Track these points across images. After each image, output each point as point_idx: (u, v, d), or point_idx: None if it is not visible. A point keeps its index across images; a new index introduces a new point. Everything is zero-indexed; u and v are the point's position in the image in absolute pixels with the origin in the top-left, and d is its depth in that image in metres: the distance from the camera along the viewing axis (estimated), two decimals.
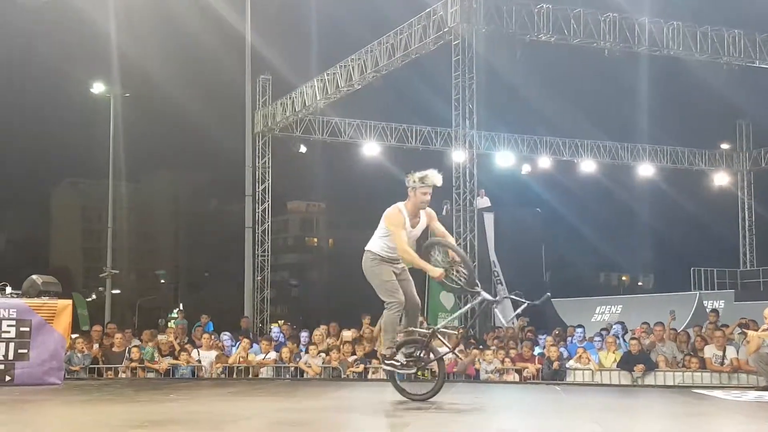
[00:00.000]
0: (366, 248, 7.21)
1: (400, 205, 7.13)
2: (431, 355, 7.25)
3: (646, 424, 6.70)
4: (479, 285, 7.32)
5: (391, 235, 7.01)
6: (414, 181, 7.04)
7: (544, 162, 27.53)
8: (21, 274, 10.84)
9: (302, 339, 13.86)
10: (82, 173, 57.21)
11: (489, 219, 21.27)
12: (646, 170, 28.32)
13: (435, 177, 7.05)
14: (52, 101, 46.68)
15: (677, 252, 34.54)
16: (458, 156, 20.26)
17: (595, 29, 19.55)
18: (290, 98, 24.70)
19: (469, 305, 8.04)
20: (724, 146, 29.70)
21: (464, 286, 7.31)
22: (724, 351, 12.05)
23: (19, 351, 9.94)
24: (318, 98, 23.35)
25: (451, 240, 7.49)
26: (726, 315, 16.96)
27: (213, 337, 14.03)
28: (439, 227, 7.35)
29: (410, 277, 7.30)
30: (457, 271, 7.22)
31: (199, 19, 28.54)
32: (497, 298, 8.32)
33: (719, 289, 23.61)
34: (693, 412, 7.60)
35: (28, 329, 10.01)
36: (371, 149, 26.12)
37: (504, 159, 27.07)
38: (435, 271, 6.97)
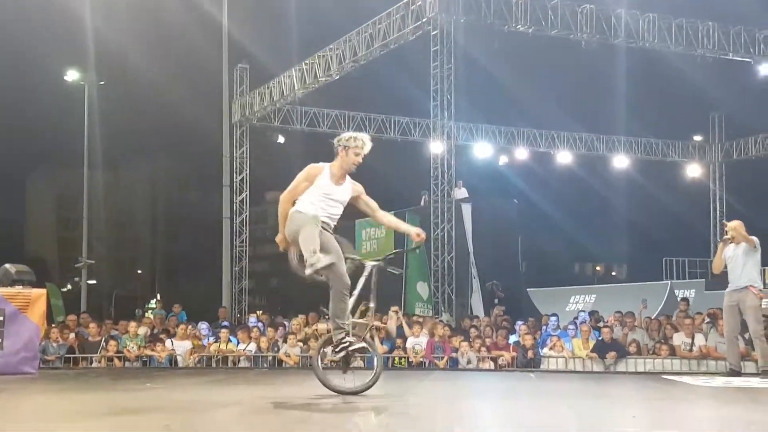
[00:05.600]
0: None
1: (325, 164, 6.69)
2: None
3: (619, 408, 6.84)
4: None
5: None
6: (346, 140, 6.59)
7: (521, 153, 27.73)
8: None
9: (286, 327, 13.99)
10: (57, 162, 56.65)
11: (467, 210, 21.41)
12: (620, 162, 28.63)
13: (368, 140, 6.67)
14: (25, 89, 46.17)
15: (650, 242, 34.98)
16: (436, 147, 20.36)
17: (573, 20, 19.71)
18: (268, 88, 24.65)
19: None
20: (697, 138, 30.09)
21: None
22: (693, 338, 12.30)
23: None
24: (296, 88, 23.33)
25: (392, 220, 7.06)
26: (697, 303, 17.23)
27: (189, 326, 14.07)
28: (370, 203, 6.83)
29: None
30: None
31: (176, 6, 28.36)
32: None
33: (690, 279, 23.94)
34: (664, 397, 7.76)
35: (1, 318, 9.88)
36: None
37: (482, 150, 27.23)
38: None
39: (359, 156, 6.58)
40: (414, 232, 6.77)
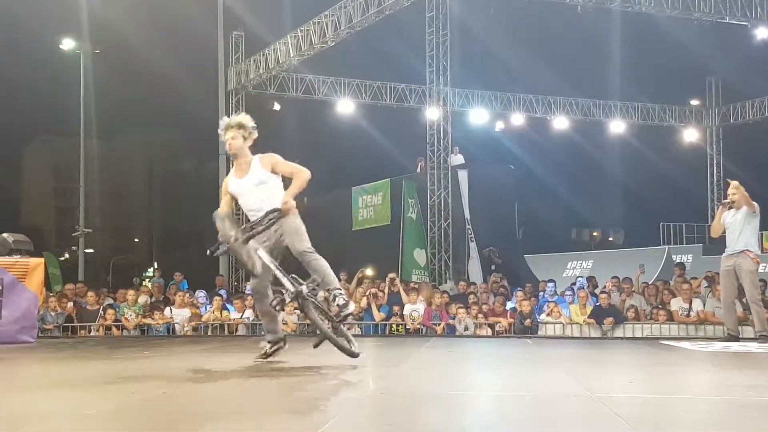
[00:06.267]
0: None
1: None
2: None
3: (616, 374, 6.87)
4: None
5: None
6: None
7: (518, 119, 27.61)
8: None
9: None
10: (53, 131, 56.37)
11: (463, 176, 21.39)
12: (617, 127, 28.53)
13: (223, 125, 6.74)
14: (20, 58, 45.75)
15: (647, 207, 34.95)
16: (432, 113, 20.28)
17: None
18: (263, 55, 24.42)
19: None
20: (694, 102, 29.96)
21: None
22: (691, 303, 12.33)
23: None
24: (291, 55, 23.11)
25: (294, 186, 6.63)
26: (694, 268, 17.29)
27: (187, 294, 14.08)
28: (287, 170, 6.73)
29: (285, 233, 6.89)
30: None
31: None
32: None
33: (688, 244, 24.02)
34: (661, 362, 7.80)
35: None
36: (346, 107, 25.98)
37: (478, 116, 27.10)
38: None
39: (226, 142, 6.72)
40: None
